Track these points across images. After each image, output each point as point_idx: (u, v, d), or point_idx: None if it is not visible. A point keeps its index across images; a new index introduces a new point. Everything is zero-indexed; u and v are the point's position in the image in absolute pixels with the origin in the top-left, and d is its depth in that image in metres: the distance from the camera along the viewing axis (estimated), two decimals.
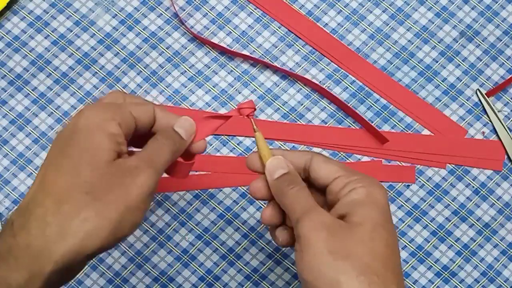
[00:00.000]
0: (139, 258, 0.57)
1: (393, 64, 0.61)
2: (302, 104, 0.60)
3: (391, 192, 0.59)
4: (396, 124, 0.60)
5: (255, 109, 0.46)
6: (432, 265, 0.58)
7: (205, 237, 0.58)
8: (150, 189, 0.39)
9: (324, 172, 0.42)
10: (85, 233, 0.36)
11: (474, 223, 0.58)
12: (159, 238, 0.58)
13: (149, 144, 0.41)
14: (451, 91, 0.60)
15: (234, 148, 0.59)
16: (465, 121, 0.60)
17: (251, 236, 0.58)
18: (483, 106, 0.60)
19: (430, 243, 0.58)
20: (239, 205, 0.59)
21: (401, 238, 0.58)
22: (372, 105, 0.60)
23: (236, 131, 0.59)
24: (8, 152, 0.59)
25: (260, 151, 0.44)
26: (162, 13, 0.61)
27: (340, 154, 0.59)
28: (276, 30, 0.61)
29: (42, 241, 0.36)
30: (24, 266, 0.36)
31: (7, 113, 0.60)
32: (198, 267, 0.57)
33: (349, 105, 0.60)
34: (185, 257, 0.58)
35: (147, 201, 0.39)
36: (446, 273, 0.57)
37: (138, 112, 0.41)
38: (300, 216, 0.40)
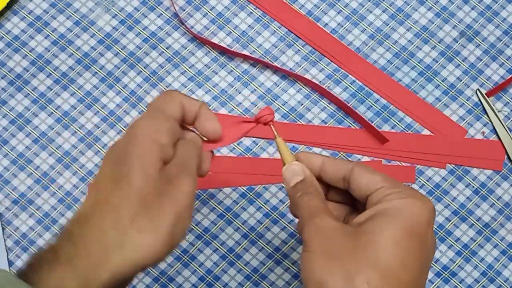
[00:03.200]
0: None
1: (393, 64, 0.61)
2: (302, 104, 0.60)
3: None
4: (396, 124, 0.60)
5: (273, 116, 0.45)
6: (432, 265, 0.58)
7: (205, 237, 0.58)
8: (193, 194, 0.39)
9: (365, 182, 0.41)
10: (142, 245, 0.36)
11: (474, 223, 0.58)
12: None
13: (180, 149, 0.41)
14: (451, 91, 0.60)
15: (234, 148, 0.59)
16: (465, 121, 0.60)
17: (251, 236, 0.58)
18: (483, 106, 0.60)
19: None
20: (239, 205, 0.59)
21: None
22: (372, 105, 0.60)
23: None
24: (8, 152, 0.59)
25: (282, 157, 0.44)
26: (162, 13, 0.61)
27: (340, 154, 0.59)
28: (276, 30, 0.61)
29: (101, 250, 0.36)
30: (81, 273, 0.36)
31: (7, 113, 0.60)
32: (198, 267, 0.58)
33: (349, 105, 0.60)
34: (185, 257, 0.58)
35: (192, 206, 0.39)
36: (446, 273, 0.57)
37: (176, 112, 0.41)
38: (305, 222, 0.40)
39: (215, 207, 0.58)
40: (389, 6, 0.62)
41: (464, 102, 0.60)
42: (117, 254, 0.36)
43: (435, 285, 0.57)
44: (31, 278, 0.36)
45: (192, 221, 0.58)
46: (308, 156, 0.43)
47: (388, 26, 0.61)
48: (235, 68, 0.61)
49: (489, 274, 0.57)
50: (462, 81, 0.60)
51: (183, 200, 0.38)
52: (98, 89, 0.60)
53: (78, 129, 0.60)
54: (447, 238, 0.58)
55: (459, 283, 0.57)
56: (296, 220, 0.43)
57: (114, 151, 0.40)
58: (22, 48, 0.61)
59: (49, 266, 0.36)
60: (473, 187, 0.59)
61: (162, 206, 0.37)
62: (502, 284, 0.57)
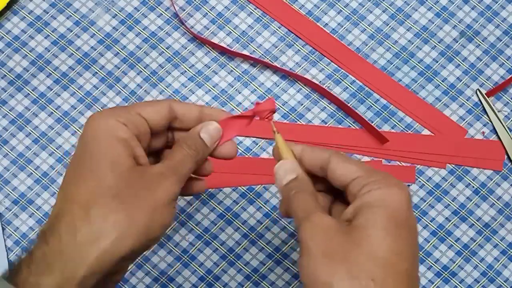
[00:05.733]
0: (139, 258, 0.57)
1: (393, 64, 0.61)
2: (302, 104, 0.60)
3: None
4: (396, 124, 0.60)
5: (274, 111, 0.44)
6: (432, 265, 0.58)
7: (205, 237, 0.58)
8: (175, 194, 0.40)
9: (341, 172, 0.40)
10: (116, 236, 0.37)
11: (474, 223, 0.58)
12: None
13: (174, 151, 0.42)
14: (451, 91, 0.60)
15: None
16: (465, 121, 0.60)
17: (251, 236, 0.58)
18: (483, 106, 0.60)
19: (430, 243, 0.58)
20: (239, 205, 0.59)
21: None
22: (372, 105, 0.60)
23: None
24: (8, 152, 0.59)
25: (281, 153, 0.43)
26: (162, 13, 0.61)
27: None
28: (276, 30, 0.61)
29: (74, 246, 0.36)
30: (57, 271, 0.36)
31: (7, 113, 0.60)
32: (198, 267, 0.58)
33: (349, 105, 0.60)
34: (185, 257, 0.58)
35: (172, 204, 0.40)
36: (446, 273, 0.57)
37: (148, 112, 0.42)
38: (301, 221, 0.39)
39: (215, 207, 0.58)
40: (389, 6, 0.62)
41: (464, 102, 0.60)
42: (92, 249, 0.36)
43: (435, 285, 0.57)
44: (14, 280, 0.36)
45: (192, 221, 0.58)
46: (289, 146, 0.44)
47: (388, 26, 0.61)
48: (235, 68, 0.61)
49: (489, 274, 0.57)
50: (462, 81, 0.60)
51: (163, 197, 0.39)
52: (98, 89, 0.60)
53: (78, 129, 0.60)
54: (447, 238, 0.58)
55: (459, 283, 0.57)
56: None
57: (76, 155, 0.40)
58: (22, 48, 0.61)
59: (27, 268, 0.36)
60: (473, 187, 0.59)
61: (138, 201, 0.38)
62: (502, 284, 0.57)
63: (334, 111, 0.60)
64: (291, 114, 0.60)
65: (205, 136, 0.43)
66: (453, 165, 0.59)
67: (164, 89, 0.60)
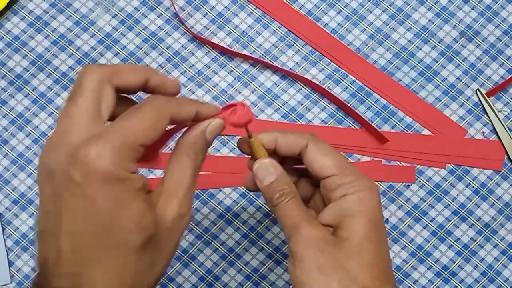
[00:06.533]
0: None
1: (393, 64, 0.61)
2: (302, 104, 0.60)
3: (391, 192, 0.59)
4: (396, 124, 0.60)
5: (250, 120, 0.41)
6: (432, 265, 0.58)
7: (205, 237, 0.58)
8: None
9: (318, 166, 0.41)
10: None
11: (474, 223, 0.58)
12: None
13: (171, 167, 0.39)
14: (451, 91, 0.60)
15: (234, 148, 0.59)
16: (465, 121, 0.60)
17: (251, 236, 0.58)
18: (483, 106, 0.60)
19: (430, 243, 0.58)
20: (239, 205, 0.59)
21: (401, 238, 0.58)
22: (372, 105, 0.60)
23: (236, 131, 0.59)
24: (8, 152, 0.59)
25: (256, 155, 0.42)
26: (162, 13, 0.61)
27: None
28: (276, 30, 0.61)
29: None
30: None
31: (7, 113, 0.60)
32: (198, 267, 0.58)
33: (349, 105, 0.60)
34: (185, 257, 0.58)
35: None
36: (446, 273, 0.57)
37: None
38: (291, 232, 0.40)
39: (215, 207, 0.58)
40: (389, 6, 0.62)
41: (464, 102, 0.60)
42: None
43: (435, 285, 0.57)
44: None
45: (192, 221, 0.58)
46: (262, 136, 0.42)
47: (388, 26, 0.61)
48: (235, 68, 0.61)
49: (489, 274, 0.57)
50: (462, 81, 0.60)
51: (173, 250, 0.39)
52: None
53: None
54: (447, 238, 0.58)
55: (459, 283, 0.57)
56: None
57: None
58: (22, 48, 0.61)
59: None
60: (473, 187, 0.59)
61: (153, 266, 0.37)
62: (502, 284, 0.57)
63: (334, 111, 0.60)
64: (291, 114, 0.60)
65: (210, 136, 0.40)
66: (453, 165, 0.59)
67: None
